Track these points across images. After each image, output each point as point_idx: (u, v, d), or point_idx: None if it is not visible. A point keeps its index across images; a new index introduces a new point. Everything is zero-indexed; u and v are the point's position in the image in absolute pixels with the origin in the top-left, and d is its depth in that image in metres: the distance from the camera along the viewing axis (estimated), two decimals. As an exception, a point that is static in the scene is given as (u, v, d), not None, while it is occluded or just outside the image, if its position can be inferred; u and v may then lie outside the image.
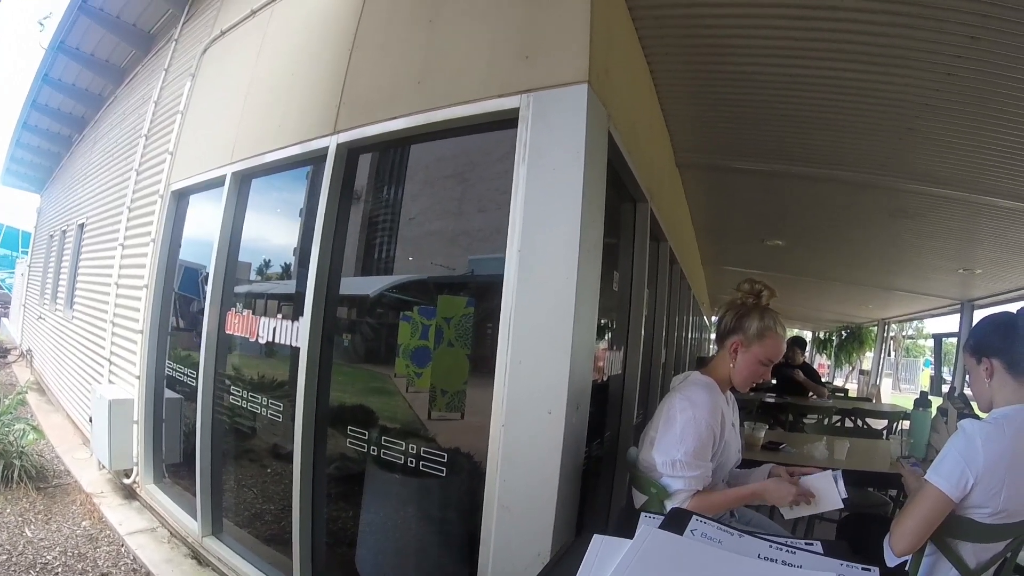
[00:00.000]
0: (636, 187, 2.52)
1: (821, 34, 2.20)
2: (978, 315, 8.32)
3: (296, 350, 2.37)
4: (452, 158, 2.27)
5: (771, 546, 0.75)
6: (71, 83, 6.50)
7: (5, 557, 2.98)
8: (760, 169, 3.81)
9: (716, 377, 1.73)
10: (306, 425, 2.31)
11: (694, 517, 0.81)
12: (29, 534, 3.29)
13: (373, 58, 2.38)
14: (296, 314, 2.45)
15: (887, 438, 4.12)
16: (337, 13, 2.64)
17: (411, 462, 2.05)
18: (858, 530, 2.12)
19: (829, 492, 1.52)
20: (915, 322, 17.34)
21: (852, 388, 13.50)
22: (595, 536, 0.73)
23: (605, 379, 2.53)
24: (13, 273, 14.45)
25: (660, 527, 0.77)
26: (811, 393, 5.72)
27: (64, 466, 4.47)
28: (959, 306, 8.19)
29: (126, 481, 3.84)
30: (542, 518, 1.61)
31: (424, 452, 2.03)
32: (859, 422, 5.38)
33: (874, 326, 13.75)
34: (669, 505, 1.53)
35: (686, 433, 1.56)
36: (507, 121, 1.83)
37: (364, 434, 2.22)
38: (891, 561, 1.42)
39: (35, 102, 7.03)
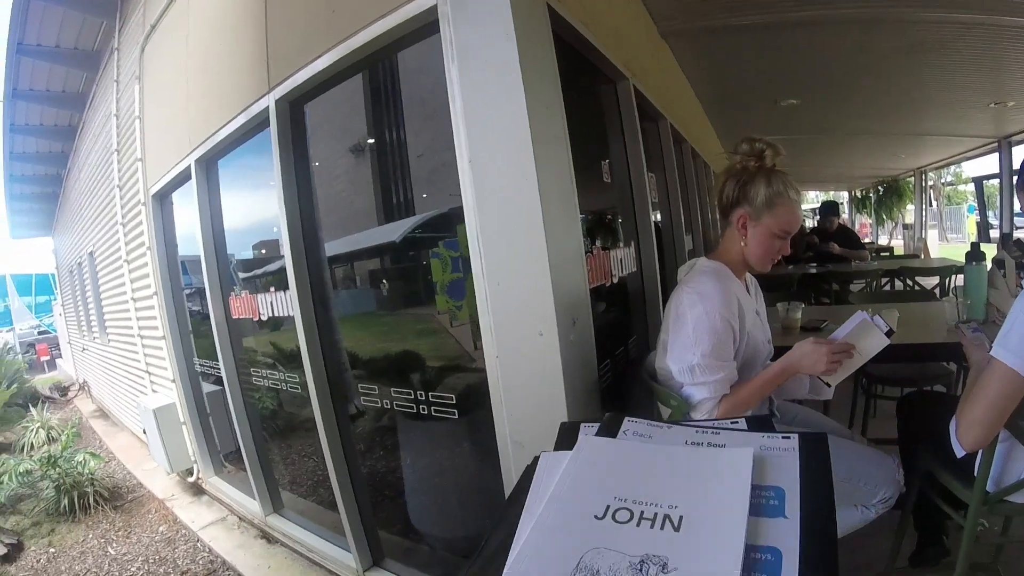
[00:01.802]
0: (608, 65, 2.27)
1: None
2: (1017, 152, 7.71)
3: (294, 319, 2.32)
4: (439, 90, 2.08)
5: (697, 431, 0.79)
6: (38, 124, 6.43)
7: None
8: (754, 23, 3.45)
9: (727, 260, 1.47)
10: (319, 388, 2.28)
11: (626, 419, 0.84)
12: (112, 552, 3.48)
13: (285, 2, 2.18)
14: (285, 284, 2.39)
15: (941, 299, 3.80)
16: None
17: (464, 398, 1.95)
18: (919, 409, 1.83)
19: (868, 334, 1.32)
20: (952, 167, 16.26)
21: (898, 245, 12.90)
22: (542, 453, 0.78)
23: (615, 281, 2.36)
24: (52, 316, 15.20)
25: (596, 434, 0.82)
26: (854, 260, 5.36)
27: (136, 480, 4.72)
28: (996, 144, 7.60)
29: (191, 480, 4.02)
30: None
31: (477, 384, 1.90)
32: (908, 282, 4.94)
33: (911, 177, 12.96)
34: (695, 417, 1.35)
35: (699, 332, 1.34)
36: (430, 24, 1.62)
37: (415, 379, 2.16)
38: (960, 453, 1.21)
39: (12, 152, 7.02)
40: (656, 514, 0.62)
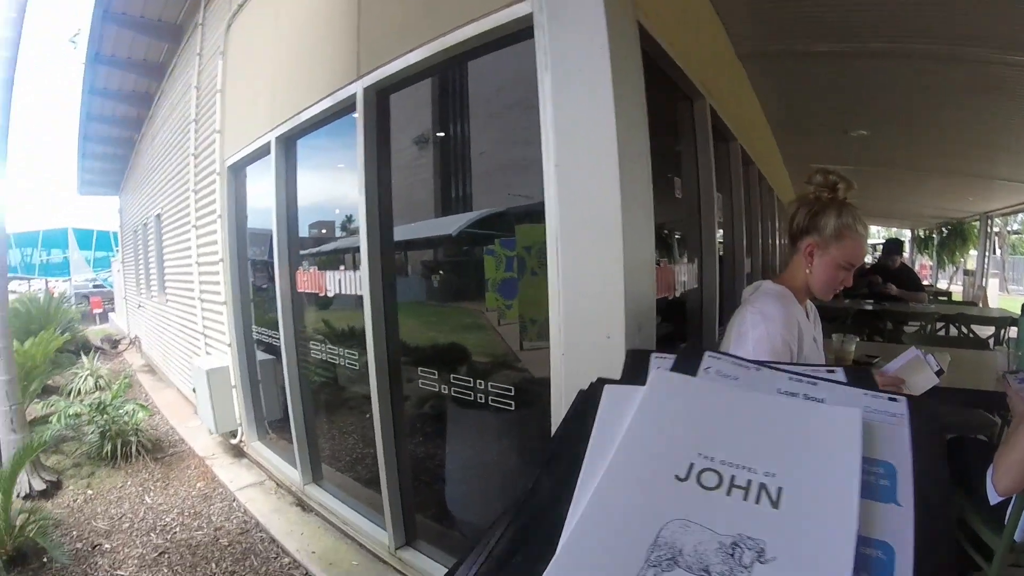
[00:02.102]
0: (687, 82, 2.30)
1: None
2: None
3: (361, 298, 2.41)
4: (511, 89, 2.11)
5: (791, 378, 0.67)
6: (116, 89, 6.77)
7: (128, 525, 3.28)
8: (829, 51, 3.42)
9: (791, 285, 1.52)
10: (379, 369, 2.36)
11: (707, 353, 0.72)
12: (149, 501, 3.61)
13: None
14: (356, 263, 2.48)
15: (993, 348, 3.70)
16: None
17: (506, 395, 2.02)
18: (959, 455, 1.83)
19: (920, 372, 1.36)
20: (1021, 215, 15.53)
21: (957, 290, 12.40)
22: (606, 386, 0.68)
23: (677, 295, 2.39)
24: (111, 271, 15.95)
25: (672, 368, 0.70)
26: (911, 301, 5.26)
27: (178, 436, 4.90)
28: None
29: (233, 442, 4.18)
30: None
31: (520, 384, 1.99)
32: (963, 329, 4.87)
33: (976, 221, 12.41)
34: None
35: (759, 351, 1.38)
36: (524, 30, 1.68)
37: (458, 371, 2.23)
38: (994, 499, 1.25)
39: (88, 114, 7.39)
40: (751, 482, 0.52)
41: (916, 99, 4.28)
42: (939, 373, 1.35)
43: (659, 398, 0.63)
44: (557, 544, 0.50)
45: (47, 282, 15.52)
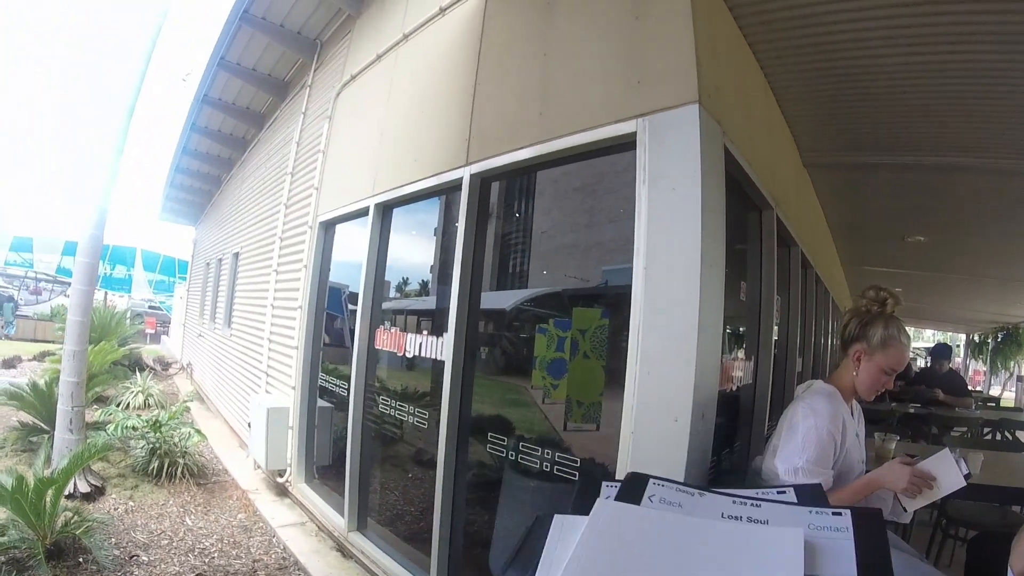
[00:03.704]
0: (759, 195, 2.52)
1: (936, 19, 2.11)
2: None
3: (440, 363, 2.59)
4: (579, 173, 2.38)
5: (735, 502, 0.67)
6: (216, 129, 7.42)
7: (167, 542, 3.38)
8: (889, 162, 3.61)
9: (839, 386, 1.72)
10: (450, 433, 2.50)
11: (651, 481, 0.74)
12: (189, 523, 3.72)
13: (496, 93, 2.57)
14: (439, 330, 2.67)
15: None
16: (458, 53, 2.87)
17: (546, 470, 2.14)
18: (989, 548, 2.00)
19: (949, 472, 1.47)
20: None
21: (1009, 396, 11.93)
22: (556, 516, 0.70)
23: (734, 389, 2.51)
24: (172, 296, 16.74)
25: (616, 498, 0.72)
26: (957, 406, 5.23)
27: (223, 466, 5.04)
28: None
29: (279, 480, 4.30)
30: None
31: (558, 459, 2.13)
32: (1007, 434, 4.87)
33: (1032, 326, 12.05)
34: None
35: (808, 440, 1.57)
36: (626, 144, 1.93)
37: (502, 443, 2.36)
38: None
39: (185, 148, 8.08)
40: None
41: (972, 209, 4.38)
42: (967, 477, 1.46)
43: (601, 528, 0.64)
44: None
45: (107, 294, 16.41)
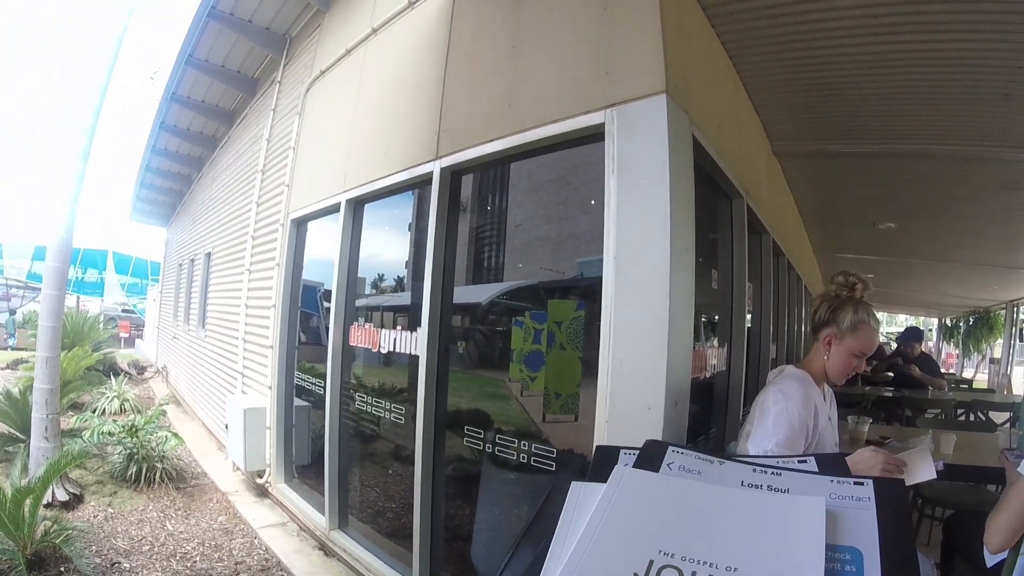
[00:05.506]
0: (729, 184, 2.54)
1: (902, 7, 2.14)
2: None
3: (415, 358, 2.58)
4: (552, 165, 2.38)
5: (755, 470, 0.67)
6: (185, 127, 7.26)
7: (148, 548, 3.34)
8: (859, 151, 3.68)
9: (810, 370, 1.75)
10: (426, 427, 2.50)
11: (670, 448, 0.73)
12: (170, 528, 3.68)
13: (465, 86, 2.55)
14: (414, 325, 2.65)
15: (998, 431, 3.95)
16: (427, 46, 2.84)
17: (524, 462, 2.14)
18: (965, 526, 2.09)
19: (922, 463, 1.51)
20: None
21: (982, 378, 12.33)
22: (573, 483, 0.69)
23: (708, 376, 2.54)
24: (145, 299, 16.38)
25: (635, 464, 0.71)
26: (930, 387, 5.36)
27: (201, 468, 4.97)
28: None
29: (259, 481, 4.25)
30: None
31: (536, 451, 2.13)
32: (980, 415, 5.04)
33: (1003, 309, 12.42)
34: None
35: (778, 424, 1.59)
36: (595, 135, 1.93)
37: (480, 436, 2.36)
38: (989, 560, 1.40)
39: (154, 147, 7.89)
40: None
41: (942, 194, 4.49)
42: (939, 472, 1.52)
43: (620, 495, 0.64)
44: None
45: (79, 299, 16.01)
